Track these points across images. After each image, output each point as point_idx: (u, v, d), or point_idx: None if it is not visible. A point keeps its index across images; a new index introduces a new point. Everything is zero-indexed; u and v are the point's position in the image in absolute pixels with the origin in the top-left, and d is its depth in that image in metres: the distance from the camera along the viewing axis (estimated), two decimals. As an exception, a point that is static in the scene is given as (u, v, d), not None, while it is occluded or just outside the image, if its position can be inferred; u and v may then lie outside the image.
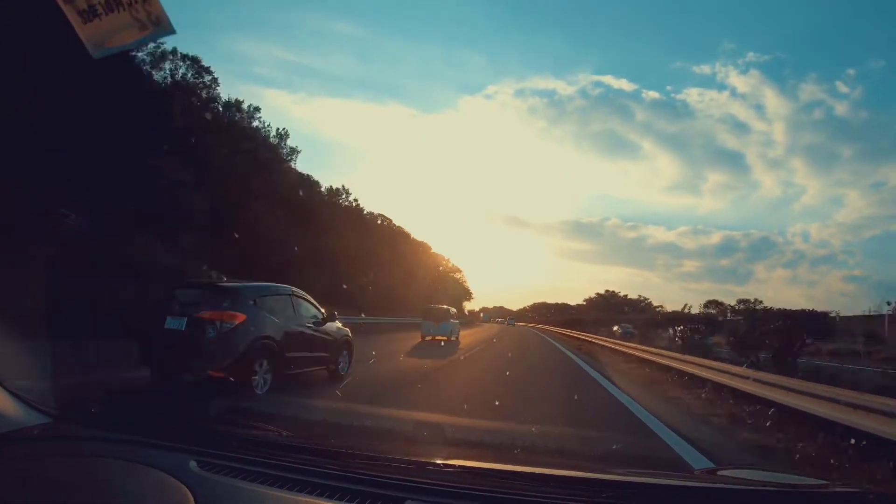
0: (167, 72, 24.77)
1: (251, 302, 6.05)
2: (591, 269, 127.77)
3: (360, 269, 30.71)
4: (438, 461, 1.36)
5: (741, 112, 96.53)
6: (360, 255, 30.84)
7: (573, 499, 1.20)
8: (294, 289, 7.10)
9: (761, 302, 21.82)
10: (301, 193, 31.48)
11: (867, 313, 27.09)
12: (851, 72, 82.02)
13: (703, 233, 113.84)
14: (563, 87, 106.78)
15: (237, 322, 5.66)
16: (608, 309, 64.42)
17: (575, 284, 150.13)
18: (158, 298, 6.32)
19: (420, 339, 18.46)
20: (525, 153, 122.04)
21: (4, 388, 1.49)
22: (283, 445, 1.51)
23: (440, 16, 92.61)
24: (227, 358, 5.47)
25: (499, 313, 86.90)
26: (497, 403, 6.20)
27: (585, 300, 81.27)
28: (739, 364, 8.77)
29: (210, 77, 26.46)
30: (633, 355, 14.13)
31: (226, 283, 7.24)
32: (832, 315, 12.99)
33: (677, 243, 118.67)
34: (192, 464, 1.32)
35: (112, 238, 12.91)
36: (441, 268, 63.13)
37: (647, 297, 77.07)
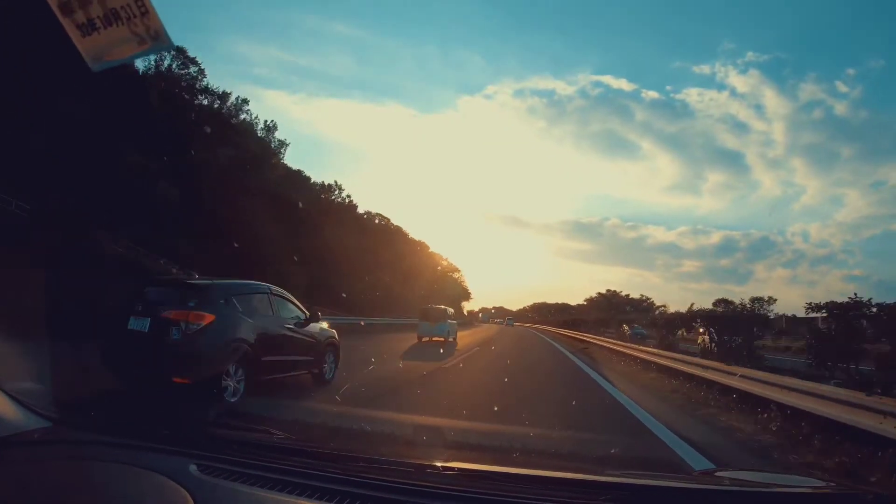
0: (151, 61, 24.53)
1: (222, 301, 5.59)
2: (591, 269, 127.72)
3: (354, 267, 29.94)
4: (438, 464, 1.37)
5: (741, 112, 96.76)
6: (353, 253, 30.21)
7: (573, 501, 1.20)
8: (273, 287, 6.63)
9: (775, 300, 20.07)
10: (289, 188, 30.78)
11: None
12: (851, 71, 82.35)
13: (702, 233, 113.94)
14: (562, 87, 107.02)
15: (205, 323, 5.19)
16: (610, 309, 64.12)
17: (575, 284, 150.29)
18: (123, 297, 5.83)
19: (417, 340, 18.28)
20: (524, 153, 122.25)
21: (4, 392, 1.49)
22: (283, 448, 1.52)
23: (439, 16, 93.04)
24: (193, 363, 5.05)
25: (498, 314, 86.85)
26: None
27: (586, 300, 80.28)
28: (821, 379, 6.25)
29: (196, 68, 26.21)
30: (652, 363, 11.54)
31: (196, 280, 6.78)
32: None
33: (677, 243, 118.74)
34: (192, 467, 1.32)
35: (60, 230, 12.12)
36: (439, 267, 63.05)
37: (648, 296, 76.91)
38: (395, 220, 48.85)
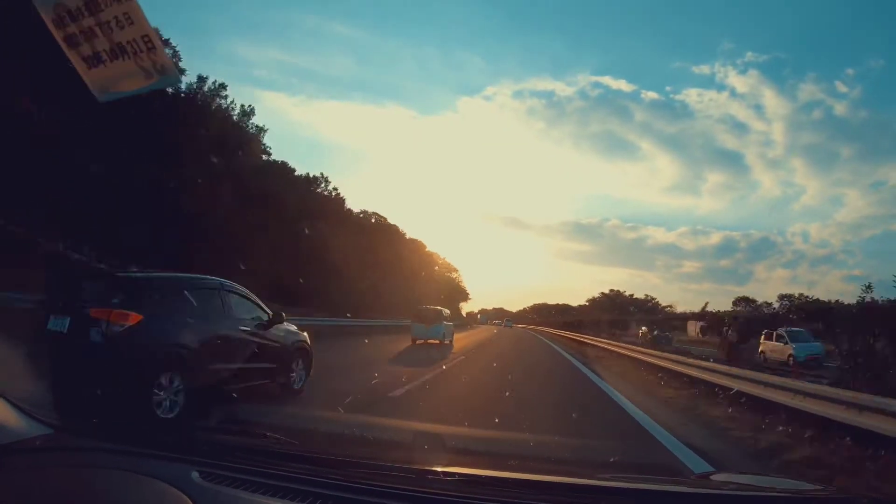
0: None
1: (155, 297, 4.87)
2: (591, 270, 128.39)
3: (342, 265, 28.01)
4: (439, 469, 1.38)
5: (740, 112, 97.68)
6: (342, 251, 28.51)
7: None
8: (225, 282, 5.79)
9: (807, 297, 19.16)
10: (270, 179, 28.82)
11: None
12: (850, 72, 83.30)
13: (702, 233, 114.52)
14: (561, 88, 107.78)
15: (129, 323, 4.40)
16: (613, 309, 63.76)
17: (575, 285, 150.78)
18: (45, 293, 5.25)
19: (411, 343, 17.83)
20: (524, 154, 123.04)
21: (6, 399, 1.49)
22: (285, 455, 1.52)
23: (438, 17, 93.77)
24: (113, 370, 4.27)
25: (498, 315, 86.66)
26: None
27: (588, 300, 79.68)
28: None
29: (170, 51, 24.63)
30: (714, 383, 7.92)
31: (125, 273, 6.04)
32: None
33: (677, 244, 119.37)
34: (195, 474, 1.32)
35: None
36: (436, 267, 62.48)
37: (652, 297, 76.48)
38: (392, 220, 47.93)
